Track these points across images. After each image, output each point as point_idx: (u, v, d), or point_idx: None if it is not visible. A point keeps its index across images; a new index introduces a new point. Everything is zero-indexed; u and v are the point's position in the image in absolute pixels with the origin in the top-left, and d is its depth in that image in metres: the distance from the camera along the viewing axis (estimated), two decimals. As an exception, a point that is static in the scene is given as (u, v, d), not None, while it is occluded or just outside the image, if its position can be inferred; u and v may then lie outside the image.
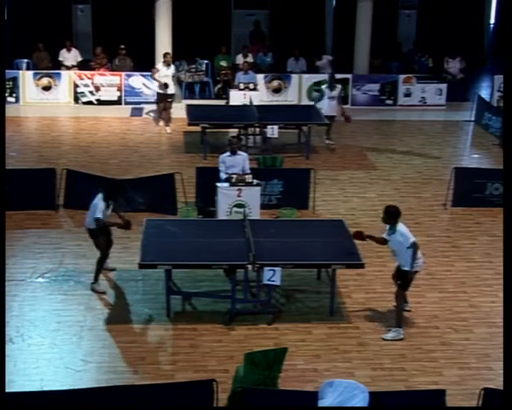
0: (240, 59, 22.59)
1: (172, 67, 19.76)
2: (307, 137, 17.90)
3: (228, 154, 14.31)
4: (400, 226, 10.68)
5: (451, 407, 8.88)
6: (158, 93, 19.57)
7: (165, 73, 19.40)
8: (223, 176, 13.98)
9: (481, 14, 27.37)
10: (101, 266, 11.91)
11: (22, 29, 22.81)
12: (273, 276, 10.76)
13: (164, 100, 19.45)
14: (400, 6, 26.98)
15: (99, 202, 11.61)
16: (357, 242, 11.59)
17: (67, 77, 21.44)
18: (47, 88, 21.39)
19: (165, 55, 19.68)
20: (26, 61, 22.58)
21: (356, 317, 11.35)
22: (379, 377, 9.94)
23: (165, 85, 19.23)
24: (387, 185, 16.46)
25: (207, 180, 14.32)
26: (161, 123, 19.67)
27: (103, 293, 11.76)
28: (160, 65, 19.64)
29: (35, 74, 21.42)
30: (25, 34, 22.58)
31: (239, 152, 14.39)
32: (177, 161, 17.33)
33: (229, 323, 11.02)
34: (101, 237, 11.82)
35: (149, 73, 21.01)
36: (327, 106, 18.32)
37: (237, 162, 14.22)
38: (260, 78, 21.72)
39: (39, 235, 13.65)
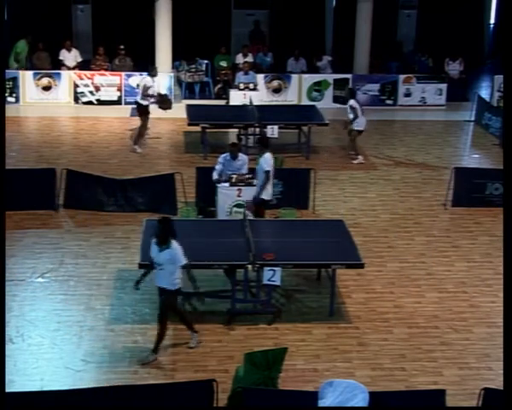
0: (240, 59, 22.59)
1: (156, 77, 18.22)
2: (307, 137, 17.90)
3: (228, 156, 14.12)
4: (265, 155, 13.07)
5: (451, 407, 8.89)
6: (145, 105, 17.94)
7: (154, 84, 18.00)
8: (215, 175, 13.69)
9: (481, 14, 27.36)
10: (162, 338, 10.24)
11: (22, 29, 22.78)
12: (273, 276, 10.76)
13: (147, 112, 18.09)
14: (400, 6, 26.95)
15: (175, 246, 10.06)
16: (358, 242, 11.60)
17: (67, 77, 21.42)
18: (47, 88, 21.37)
19: (154, 68, 18.37)
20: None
21: (356, 317, 11.34)
22: (379, 377, 9.94)
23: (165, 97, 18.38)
24: (387, 185, 16.45)
25: (207, 180, 14.28)
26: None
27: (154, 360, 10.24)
28: (148, 79, 17.90)
29: (35, 74, 21.40)
30: (25, 34, 22.52)
31: (240, 156, 14.09)
32: (177, 161, 17.32)
33: (229, 323, 11.02)
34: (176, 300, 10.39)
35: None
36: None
37: (236, 167, 14.04)
38: (260, 78, 21.69)
39: (39, 235, 13.65)
